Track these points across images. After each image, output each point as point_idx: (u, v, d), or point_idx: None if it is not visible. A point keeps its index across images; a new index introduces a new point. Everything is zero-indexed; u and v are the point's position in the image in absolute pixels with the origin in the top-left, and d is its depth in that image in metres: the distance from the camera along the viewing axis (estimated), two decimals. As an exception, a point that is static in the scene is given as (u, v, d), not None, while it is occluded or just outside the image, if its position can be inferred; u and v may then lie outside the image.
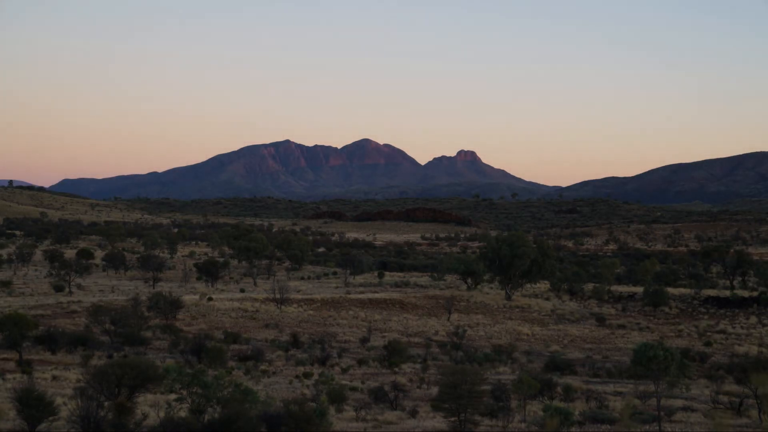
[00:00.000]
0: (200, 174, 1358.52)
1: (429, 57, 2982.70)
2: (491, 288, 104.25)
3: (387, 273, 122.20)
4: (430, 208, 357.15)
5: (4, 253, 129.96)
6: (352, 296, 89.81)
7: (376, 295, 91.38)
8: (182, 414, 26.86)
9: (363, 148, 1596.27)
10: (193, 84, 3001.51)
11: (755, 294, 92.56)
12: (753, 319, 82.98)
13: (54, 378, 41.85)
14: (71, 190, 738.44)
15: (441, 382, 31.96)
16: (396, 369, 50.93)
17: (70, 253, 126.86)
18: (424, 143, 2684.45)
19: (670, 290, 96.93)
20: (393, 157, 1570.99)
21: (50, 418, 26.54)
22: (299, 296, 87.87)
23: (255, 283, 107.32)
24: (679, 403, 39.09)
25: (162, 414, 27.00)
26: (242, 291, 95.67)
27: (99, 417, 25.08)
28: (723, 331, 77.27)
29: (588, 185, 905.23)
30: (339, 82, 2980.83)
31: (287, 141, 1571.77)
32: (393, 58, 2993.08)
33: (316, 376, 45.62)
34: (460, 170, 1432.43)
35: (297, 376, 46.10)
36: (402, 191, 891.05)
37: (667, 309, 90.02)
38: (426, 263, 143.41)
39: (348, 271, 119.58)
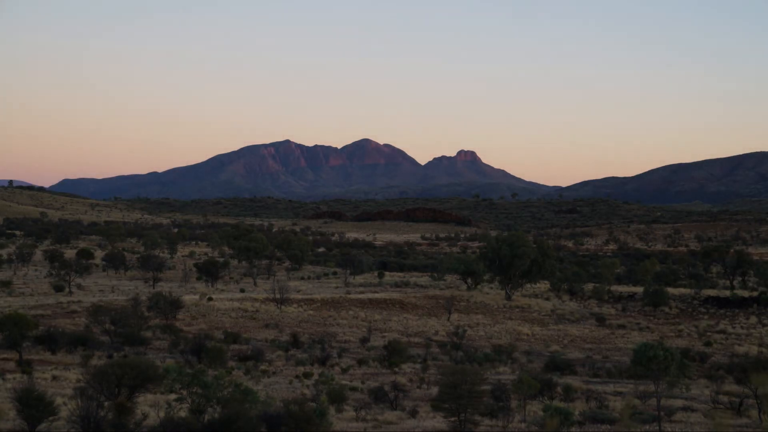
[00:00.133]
0: (200, 174, 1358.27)
1: (429, 57, 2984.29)
2: (491, 288, 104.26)
3: (387, 273, 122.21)
4: (430, 208, 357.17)
5: (4, 253, 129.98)
6: (352, 296, 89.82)
7: (376, 295, 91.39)
8: (182, 414, 26.86)
9: (363, 148, 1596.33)
10: (193, 84, 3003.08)
11: (755, 294, 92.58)
12: (753, 319, 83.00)
13: (54, 378, 41.86)
14: (71, 190, 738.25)
15: (441, 382, 31.97)
16: (396, 369, 50.94)
17: (70, 253, 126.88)
18: (424, 143, 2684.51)
19: (670, 290, 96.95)
20: (393, 157, 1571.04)
21: (50, 418, 26.54)
22: (299, 296, 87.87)
23: (255, 283, 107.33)
24: (679, 403, 39.09)
25: (162, 414, 27.01)
26: (242, 291, 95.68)
27: (99, 417, 25.09)
28: (723, 331, 77.28)
29: (588, 185, 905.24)
30: (339, 82, 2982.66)
31: (287, 141, 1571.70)
32: (393, 58, 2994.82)
33: (316, 376, 45.62)
34: (460, 170, 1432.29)
35: (297, 376, 46.11)
36: (402, 191, 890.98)
37: (667, 309, 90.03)
38: (426, 263, 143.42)
39: (348, 271, 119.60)
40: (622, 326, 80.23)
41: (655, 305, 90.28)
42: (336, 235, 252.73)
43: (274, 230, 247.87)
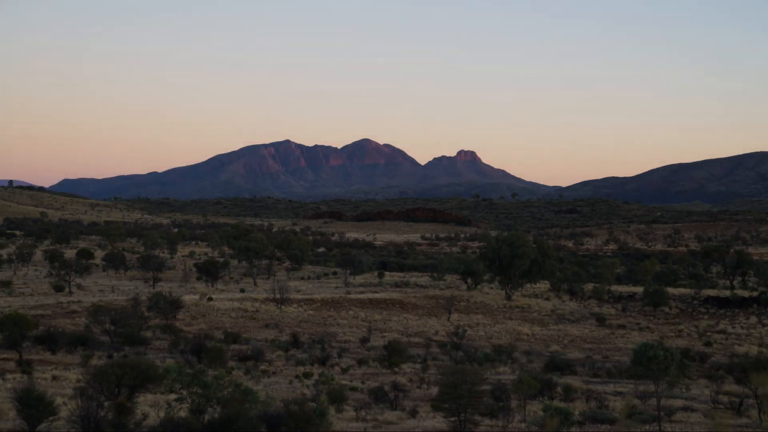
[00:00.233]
0: (200, 174, 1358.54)
1: (429, 57, 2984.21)
2: (491, 288, 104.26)
3: (387, 273, 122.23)
4: (430, 208, 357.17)
5: (4, 253, 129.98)
6: (352, 296, 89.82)
7: (376, 295, 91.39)
8: (182, 414, 26.86)
9: (363, 148, 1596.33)
10: (193, 84, 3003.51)
11: (755, 294, 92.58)
12: (753, 319, 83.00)
13: (54, 378, 41.86)
14: (71, 190, 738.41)
15: (441, 382, 31.96)
16: (396, 369, 50.93)
17: (70, 253, 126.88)
18: (424, 143, 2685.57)
19: (670, 290, 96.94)
20: (393, 157, 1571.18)
21: (50, 418, 26.54)
22: (299, 296, 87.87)
23: (255, 283, 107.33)
24: (679, 403, 39.08)
25: (162, 414, 27.01)
26: (242, 291, 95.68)
27: (99, 417, 25.08)
28: (723, 331, 77.27)
29: (588, 185, 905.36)
30: (339, 82, 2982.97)
31: (287, 141, 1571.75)
32: (393, 58, 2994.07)
33: (316, 376, 45.61)
34: (460, 170, 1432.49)
35: (297, 376, 46.10)
36: (402, 191, 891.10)
37: (667, 309, 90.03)
38: (426, 263, 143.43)
39: (348, 271, 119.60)
40: (622, 326, 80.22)
41: (655, 305, 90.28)
42: (336, 235, 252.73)
43: (274, 230, 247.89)
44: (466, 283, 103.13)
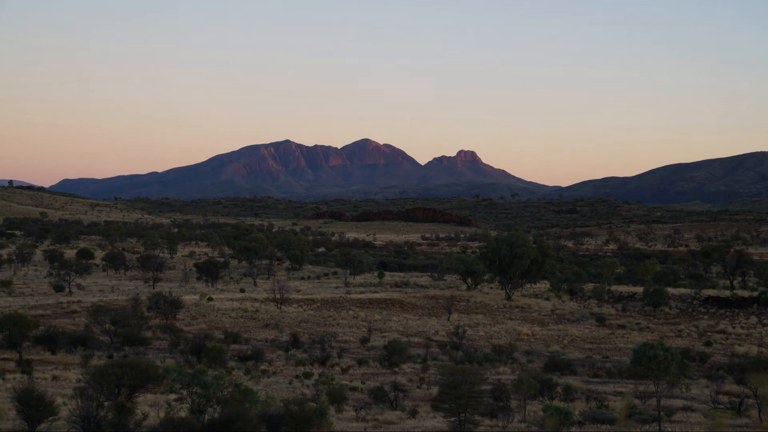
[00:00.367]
0: (200, 174, 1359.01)
1: (429, 57, 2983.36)
2: (491, 288, 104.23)
3: (387, 273, 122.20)
4: (430, 208, 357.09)
5: (4, 253, 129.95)
6: (352, 296, 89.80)
7: (376, 295, 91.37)
8: (182, 414, 26.87)
9: (363, 148, 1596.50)
10: (193, 84, 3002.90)
11: (755, 294, 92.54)
12: (753, 319, 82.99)
13: (54, 378, 41.85)
14: (71, 190, 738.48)
15: (441, 382, 31.96)
16: (396, 369, 50.92)
17: (70, 253, 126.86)
18: (424, 143, 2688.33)
19: (670, 290, 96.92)
20: (393, 157, 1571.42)
21: (50, 418, 26.55)
22: (299, 296, 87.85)
23: (255, 283, 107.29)
24: (679, 403, 39.08)
25: (162, 414, 27.02)
26: (242, 291, 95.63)
27: (99, 417, 25.09)
28: (723, 331, 77.25)
29: (588, 185, 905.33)
30: (339, 82, 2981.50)
31: (287, 141, 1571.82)
32: (393, 58, 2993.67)
33: (316, 376, 45.61)
34: (460, 170, 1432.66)
35: (297, 376, 46.09)
36: (402, 191, 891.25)
37: (667, 309, 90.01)
38: (426, 263, 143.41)
39: (348, 271, 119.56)
40: (622, 326, 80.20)
41: (655, 305, 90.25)
42: (336, 235, 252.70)
43: (274, 230, 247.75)
44: (466, 283, 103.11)
